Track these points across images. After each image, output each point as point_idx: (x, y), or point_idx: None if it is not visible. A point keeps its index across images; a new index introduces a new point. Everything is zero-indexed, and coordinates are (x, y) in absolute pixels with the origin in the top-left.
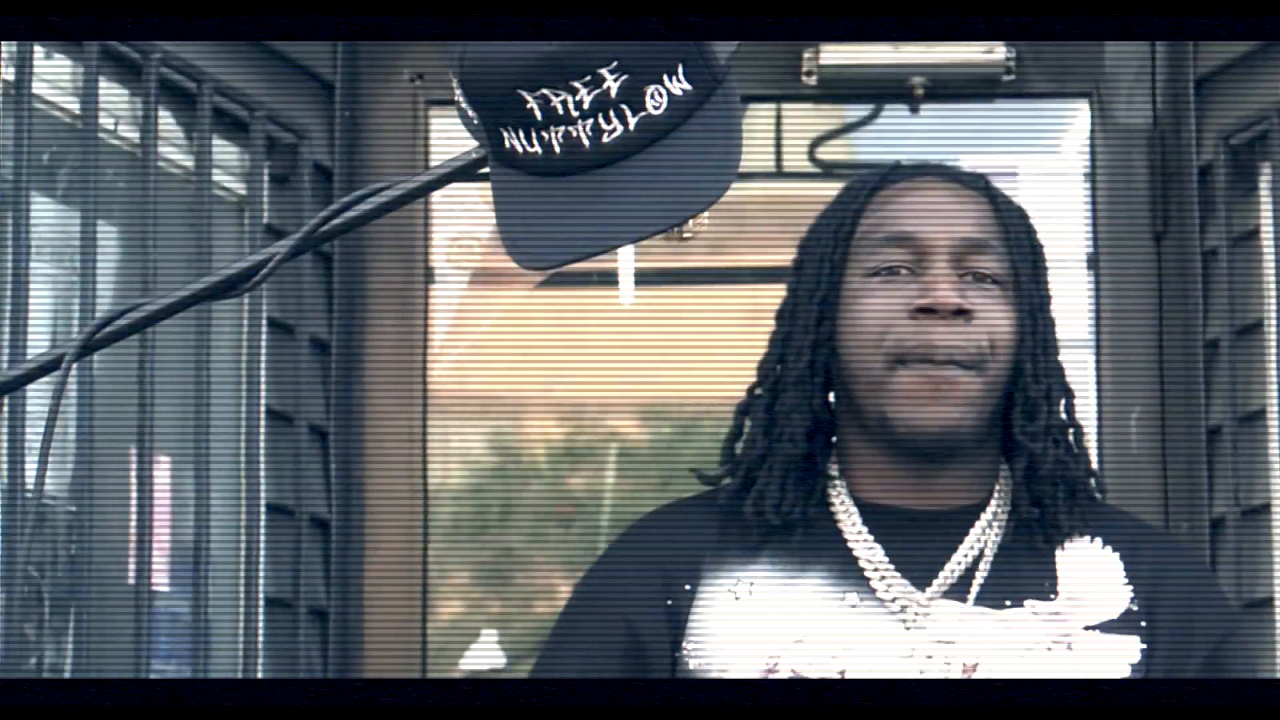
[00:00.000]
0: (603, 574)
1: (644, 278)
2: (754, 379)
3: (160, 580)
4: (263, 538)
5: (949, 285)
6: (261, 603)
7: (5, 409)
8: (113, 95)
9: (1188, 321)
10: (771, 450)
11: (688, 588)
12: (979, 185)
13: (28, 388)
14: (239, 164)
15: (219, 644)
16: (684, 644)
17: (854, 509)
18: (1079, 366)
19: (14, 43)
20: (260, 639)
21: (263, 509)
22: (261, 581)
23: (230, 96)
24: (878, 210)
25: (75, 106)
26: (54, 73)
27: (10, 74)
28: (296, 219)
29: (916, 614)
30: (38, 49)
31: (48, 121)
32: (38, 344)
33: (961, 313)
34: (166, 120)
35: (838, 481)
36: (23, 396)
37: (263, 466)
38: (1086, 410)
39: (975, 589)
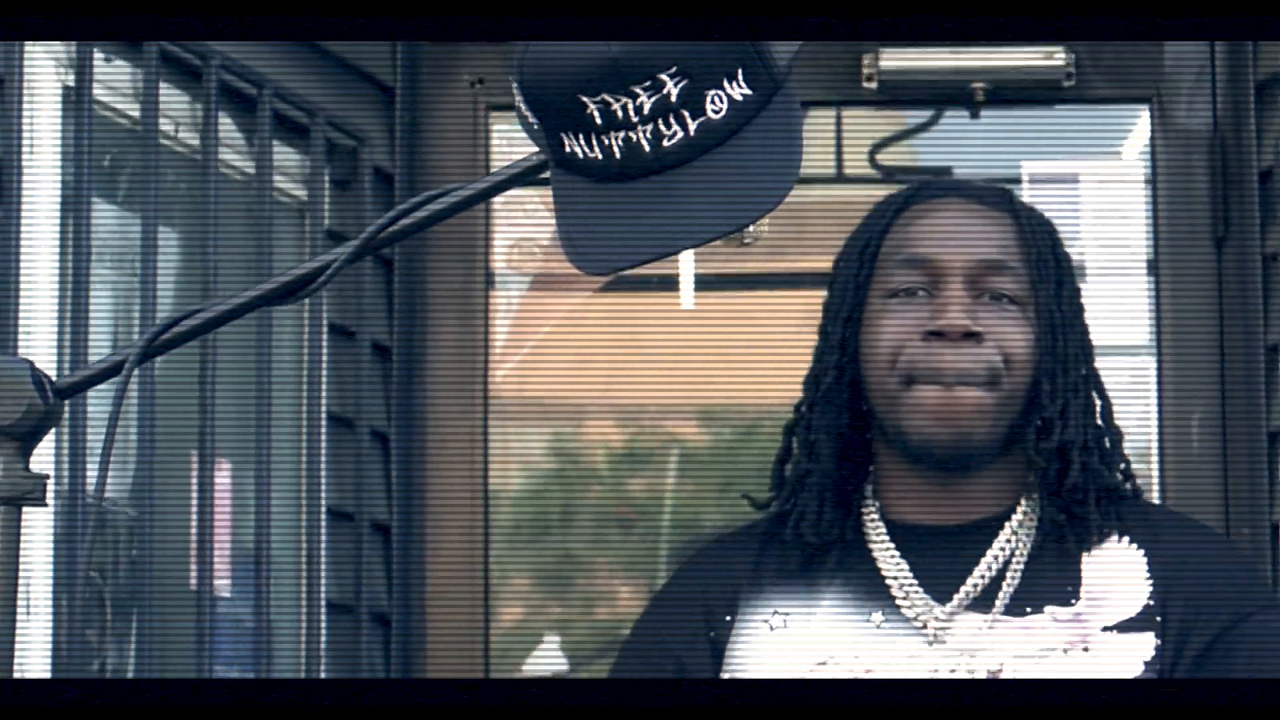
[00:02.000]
0: (655, 611)
1: (704, 282)
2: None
3: (222, 585)
4: (324, 542)
5: (960, 308)
6: (323, 607)
7: (67, 413)
8: (173, 100)
9: (1249, 326)
10: (809, 471)
11: (728, 619)
12: (1003, 204)
13: (89, 392)
14: (299, 168)
15: (281, 649)
16: (723, 675)
17: (882, 528)
18: (1139, 371)
19: (74, 44)
20: (322, 644)
21: (324, 513)
22: (323, 586)
23: (291, 101)
24: (900, 231)
25: (136, 111)
26: (114, 78)
27: (71, 79)
28: (357, 223)
29: (937, 629)
30: (98, 54)
31: (108, 126)
32: (99, 348)
33: (971, 335)
34: (227, 125)
35: (871, 502)
36: (84, 401)
37: (324, 471)
38: (1147, 415)
39: (1002, 600)
